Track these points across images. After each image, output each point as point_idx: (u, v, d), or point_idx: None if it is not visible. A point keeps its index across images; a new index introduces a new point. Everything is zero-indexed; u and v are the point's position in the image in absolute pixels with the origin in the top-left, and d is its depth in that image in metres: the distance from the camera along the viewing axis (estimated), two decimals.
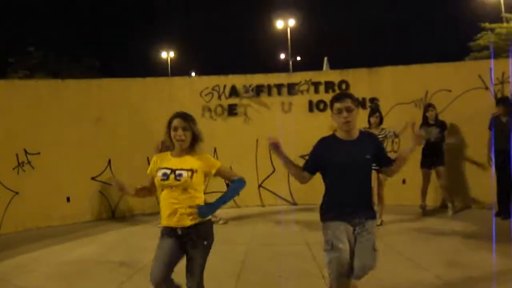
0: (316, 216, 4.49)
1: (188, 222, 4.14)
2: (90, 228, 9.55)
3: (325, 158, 4.25)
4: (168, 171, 4.17)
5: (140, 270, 6.57)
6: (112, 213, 10.57)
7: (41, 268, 6.90)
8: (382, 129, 8.77)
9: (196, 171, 4.20)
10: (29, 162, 9.82)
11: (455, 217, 9.22)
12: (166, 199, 4.19)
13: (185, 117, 4.27)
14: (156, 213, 10.01)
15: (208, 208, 4.23)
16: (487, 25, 31.05)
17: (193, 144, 4.29)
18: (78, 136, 10.20)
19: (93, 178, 10.39)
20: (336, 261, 4.04)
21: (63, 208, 10.07)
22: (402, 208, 9.79)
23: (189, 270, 4.17)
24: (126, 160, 10.41)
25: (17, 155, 9.70)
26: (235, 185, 4.43)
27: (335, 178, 4.25)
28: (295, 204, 10.91)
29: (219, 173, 4.38)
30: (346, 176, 4.17)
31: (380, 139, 8.49)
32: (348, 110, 4.14)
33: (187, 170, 4.16)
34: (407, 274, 5.96)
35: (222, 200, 4.34)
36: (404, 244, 7.42)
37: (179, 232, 4.14)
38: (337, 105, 4.19)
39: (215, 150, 10.58)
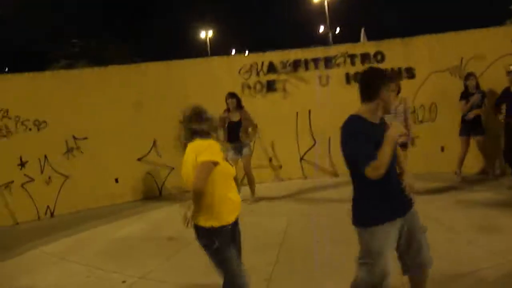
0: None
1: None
2: (138, 207, 9.88)
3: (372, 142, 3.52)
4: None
5: (188, 245, 6.65)
6: (159, 191, 10.88)
7: (94, 246, 7.26)
8: (403, 99, 8.37)
9: None
10: (78, 147, 10.19)
11: (492, 184, 9.07)
12: (230, 191, 3.98)
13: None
14: None
15: None
16: None
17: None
18: (123, 119, 10.49)
19: (139, 159, 10.71)
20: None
21: (112, 189, 10.44)
22: (440, 175, 9.71)
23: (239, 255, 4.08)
24: (170, 141, 10.65)
25: (66, 141, 10.07)
26: None
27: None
28: (336, 175, 10.97)
29: None
30: (389, 172, 3.56)
31: (402, 110, 8.42)
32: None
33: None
34: (440, 239, 6.04)
35: None
36: (438, 210, 7.43)
37: (230, 225, 3.96)
38: (393, 86, 3.92)
39: (256, 126, 10.77)
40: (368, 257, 3.63)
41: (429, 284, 4.01)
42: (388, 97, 3.66)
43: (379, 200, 3.60)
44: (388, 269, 3.60)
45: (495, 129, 9.35)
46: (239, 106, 9.10)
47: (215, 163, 3.79)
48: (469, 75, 9.35)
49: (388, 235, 3.61)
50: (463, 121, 9.33)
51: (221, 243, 3.85)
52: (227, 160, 3.96)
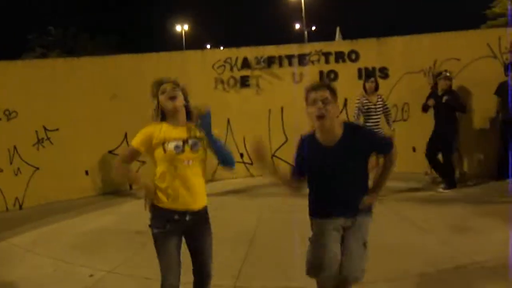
0: None
1: (200, 204, 3.80)
2: (107, 200, 9.86)
3: (306, 163, 3.85)
4: (180, 142, 3.69)
5: None
6: (130, 185, 10.82)
7: (62, 239, 7.22)
8: (379, 96, 8.73)
9: (202, 141, 3.78)
10: (48, 139, 10.09)
11: (462, 184, 9.29)
12: (177, 177, 3.68)
13: (171, 81, 3.98)
14: None
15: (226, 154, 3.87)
16: None
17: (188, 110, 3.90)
18: (95, 111, 10.42)
19: (110, 152, 10.64)
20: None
21: (82, 182, 10.37)
22: (412, 175, 9.88)
23: (202, 256, 3.87)
24: None
25: (36, 131, 9.97)
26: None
27: (319, 185, 3.88)
28: None
29: None
30: (330, 184, 3.75)
31: (381, 105, 8.63)
32: (324, 101, 3.54)
33: (199, 139, 3.76)
34: (412, 238, 6.14)
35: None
36: (411, 210, 7.58)
37: (187, 217, 3.73)
38: (312, 95, 3.60)
39: (228, 121, 10.76)
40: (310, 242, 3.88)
41: (402, 283, 4.07)
42: (309, 109, 3.68)
43: (315, 198, 3.93)
44: (324, 261, 3.66)
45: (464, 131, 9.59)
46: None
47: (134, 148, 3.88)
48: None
49: (324, 229, 3.77)
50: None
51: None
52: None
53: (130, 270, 5.74)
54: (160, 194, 3.73)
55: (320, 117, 3.57)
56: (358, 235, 3.75)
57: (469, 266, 5.14)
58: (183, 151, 3.65)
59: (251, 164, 11.26)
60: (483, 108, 9.65)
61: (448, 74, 9.09)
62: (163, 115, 3.88)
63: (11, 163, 9.66)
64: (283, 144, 11.23)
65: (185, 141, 3.68)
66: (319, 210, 3.88)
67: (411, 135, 10.26)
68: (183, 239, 3.86)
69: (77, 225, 8.06)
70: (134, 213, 8.55)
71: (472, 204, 7.71)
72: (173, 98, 3.78)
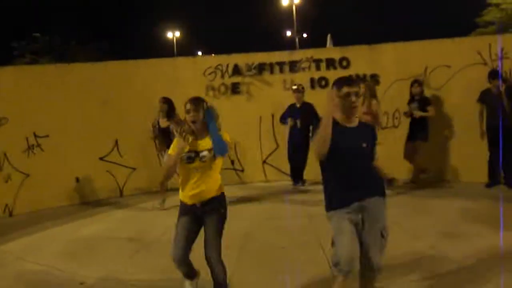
0: (317, 189, 4.51)
1: (208, 196, 4.52)
2: (98, 207, 9.80)
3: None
4: (193, 154, 4.46)
5: (147, 245, 6.89)
6: (120, 192, 10.82)
7: (52, 246, 7.17)
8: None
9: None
10: (38, 145, 10.03)
11: (446, 190, 9.49)
12: (190, 179, 4.49)
13: (196, 99, 4.62)
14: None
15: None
16: (493, 0, 30.90)
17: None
18: (85, 118, 10.40)
19: (101, 159, 10.63)
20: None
21: (72, 189, 10.35)
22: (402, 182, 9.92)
23: (208, 240, 4.50)
24: (133, 140, 10.64)
25: (27, 138, 9.90)
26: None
27: (338, 165, 4.04)
28: None
29: None
30: (349, 163, 4.02)
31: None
32: (357, 95, 4.04)
33: (210, 150, 4.45)
34: (401, 244, 6.16)
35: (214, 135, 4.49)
36: (398, 216, 7.59)
37: (198, 205, 4.51)
38: (345, 89, 4.00)
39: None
40: (334, 237, 4.03)
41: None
42: (340, 100, 4.02)
43: (333, 188, 4.11)
44: (347, 251, 3.84)
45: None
46: (169, 114, 9.07)
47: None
48: (414, 82, 9.74)
49: (343, 220, 3.96)
50: (409, 127, 9.90)
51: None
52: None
53: (121, 277, 5.72)
54: (180, 188, 4.61)
55: (354, 108, 4.04)
56: (376, 226, 4.04)
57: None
58: (193, 161, 4.45)
59: (242, 171, 11.28)
60: (473, 115, 9.64)
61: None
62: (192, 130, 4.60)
63: (1, 170, 9.59)
64: (274, 151, 11.27)
65: (197, 153, 4.45)
66: (339, 195, 4.06)
67: (401, 142, 10.31)
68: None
69: (68, 232, 8.02)
70: (126, 220, 8.59)
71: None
72: (193, 122, 4.52)
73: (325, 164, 4.07)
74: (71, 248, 7.04)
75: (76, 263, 6.31)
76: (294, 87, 9.90)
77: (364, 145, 4.07)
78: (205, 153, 4.44)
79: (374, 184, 4.15)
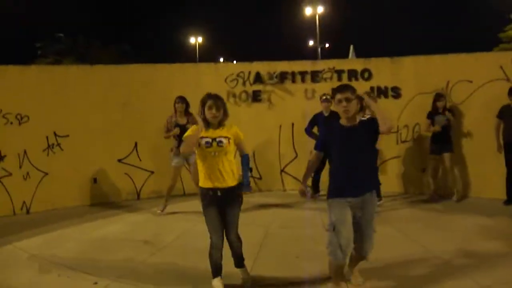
0: None
1: (229, 183, 5.03)
2: (115, 209, 9.80)
3: (330, 142, 4.84)
4: (210, 140, 4.97)
5: (162, 248, 6.85)
6: (137, 195, 10.84)
7: (67, 245, 7.19)
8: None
9: (230, 138, 5.06)
10: (58, 144, 10.11)
11: (464, 205, 9.35)
12: (211, 163, 4.98)
13: (216, 97, 5.18)
14: (179, 196, 10.28)
15: (246, 180, 5.33)
16: None
17: (223, 119, 5.17)
18: (106, 120, 10.47)
19: (119, 160, 10.67)
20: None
21: (90, 189, 10.40)
22: (421, 196, 10.03)
23: (229, 224, 5.11)
24: (152, 144, 10.66)
25: (47, 137, 9.99)
26: (246, 160, 5.38)
27: (337, 161, 4.80)
28: None
29: (239, 144, 5.22)
30: (347, 158, 4.69)
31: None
32: (347, 100, 4.65)
33: (225, 137, 5.01)
34: (414, 257, 6.08)
35: (245, 172, 5.35)
36: (412, 230, 7.51)
37: (219, 193, 4.99)
38: (337, 96, 4.71)
39: None
40: (329, 224, 4.70)
41: None
42: (335, 106, 4.84)
43: (334, 179, 4.84)
44: (346, 240, 4.53)
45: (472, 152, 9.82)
46: (187, 111, 9.10)
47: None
48: (440, 96, 9.65)
49: (342, 208, 4.62)
50: (432, 140, 9.79)
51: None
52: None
53: (135, 279, 5.69)
54: (200, 176, 5.11)
55: (345, 111, 4.71)
56: (370, 218, 4.74)
57: None
58: (211, 146, 4.96)
59: (260, 178, 11.24)
60: (493, 131, 9.44)
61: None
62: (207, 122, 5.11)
63: (20, 167, 9.67)
64: (292, 160, 11.22)
65: (213, 139, 4.97)
66: (339, 186, 4.74)
67: (421, 156, 10.24)
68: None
69: (83, 232, 8.04)
70: (142, 223, 8.57)
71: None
72: (214, 117, 5.05)
73: (330, 159, 4.95)
74: (86, 248, 7.05)
75: (90, 263, 6.30)
76: (324, 96, 9.81)
77: (362, 141, 4.67)
78: (222, 139, 4.99)
79: (370, 179, 4.97)
